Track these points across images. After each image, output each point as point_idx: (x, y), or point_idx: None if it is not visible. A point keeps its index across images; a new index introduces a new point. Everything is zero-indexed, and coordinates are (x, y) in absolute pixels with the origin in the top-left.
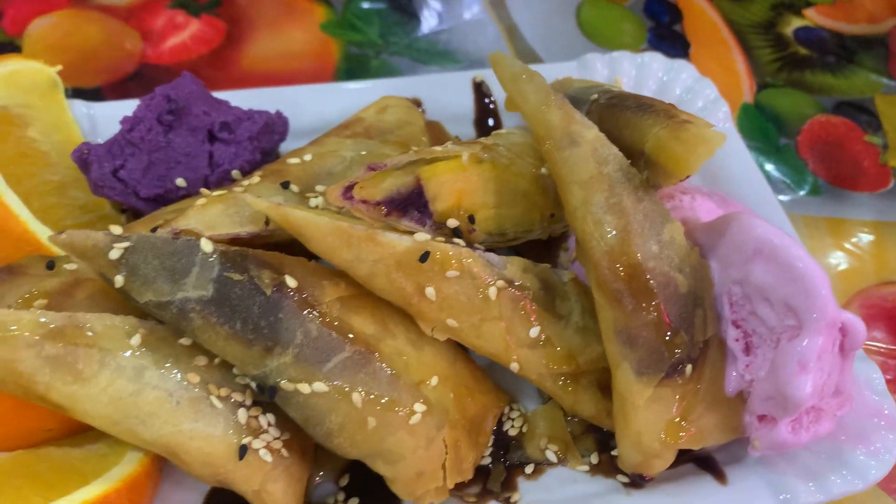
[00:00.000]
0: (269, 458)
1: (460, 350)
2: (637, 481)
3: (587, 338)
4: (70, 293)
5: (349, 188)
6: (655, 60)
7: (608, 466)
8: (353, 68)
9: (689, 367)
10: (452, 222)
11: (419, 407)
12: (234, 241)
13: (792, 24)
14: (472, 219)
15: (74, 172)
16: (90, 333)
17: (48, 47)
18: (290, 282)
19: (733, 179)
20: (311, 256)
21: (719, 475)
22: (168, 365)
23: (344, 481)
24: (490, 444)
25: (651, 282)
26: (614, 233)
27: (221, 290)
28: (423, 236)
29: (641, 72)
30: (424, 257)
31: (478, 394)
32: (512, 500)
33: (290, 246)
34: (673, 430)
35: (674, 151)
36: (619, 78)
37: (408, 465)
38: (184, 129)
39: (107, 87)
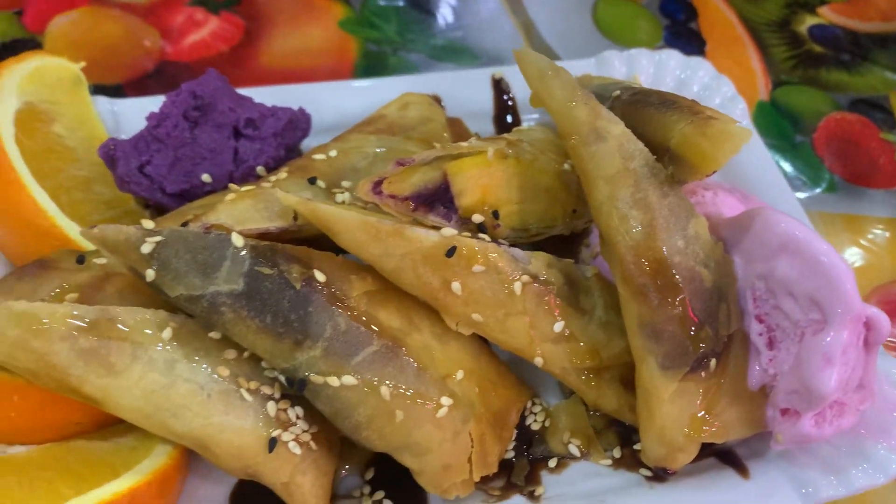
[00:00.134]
0: (298, 450)
1: (484, 344)
2: (660, 475)
3: (610, 333)
4: (100, 287)
5: (378, 183)
6: (673, 58)
7: (631, 460)
8: (371, 65)
9: (713, 362)
10: (477, 217)
11: (446, 401)
12: (263, 235)
13: (806, 22)
14: (496, 214)
15: (100, 168)
16: (122, 327)
17: (69, 44)
18: (319, 276)
19: (752, 176)
20: (337, 251)
21: (741, 469)
22: (199, 358)
23: (369, 474)
24: (513, 438)
25: (676, 277)
26: (640, 228)
27: (252, 284)
28: (449, 231)
29: (659, 69)
30: (451, 252)
31: (502, 388)
32: (536, 493)
33: (317, 241)
34: (697, 423)
35: (700, 147)
36: (637, 75)
37: (434, 458)
38: (209, 125)
39: (128, 84)
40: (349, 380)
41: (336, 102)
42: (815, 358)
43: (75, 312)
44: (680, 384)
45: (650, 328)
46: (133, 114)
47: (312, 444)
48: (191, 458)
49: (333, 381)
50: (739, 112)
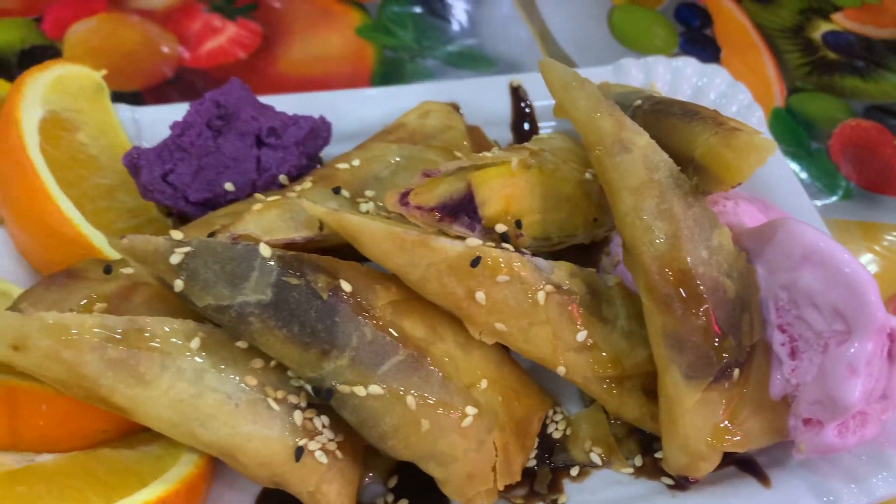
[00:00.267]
0: (324, 459)
1: (506, 353)
2: (682, 483)
3: (632, 342)
4: (128, 297)
5: (405, 195)
6: (689, 65)
7: (652, 468)
8: (388, 72)
9: (736, 372)
10: (500, 227)
11: (471, 410)
12: (289, 245)
13: (820, 29)
14: (519, 223)
15: (122, 176)
16: (151, 337)
17: (88, 51)
18: (345, 286)
19: (771, 184)
20: (359, 260)
21: (763, 478)
22: (226, 368)
23: (392, 482)
24: (535, 446)
25: (700, 287)
26: (665, 238)
27: (280, 295)
28: (474, 241)
29: (676, 76)
30: (476, 262)
31: (524, 397)
32: (559, 501)
33: (340, 250)
34: (719, 433)
35: (725, 159)
36: (654, 82)
37: (459, 466)
38: (232, 134)
39: (146, 91)
40: (375, 389)
41: (355, 110)
42: (839, 368)
43: (105, 323)
44: (703, 394)
45: (674, 338)
46: (154, 121)
47: (338, 452)
48: (215, 466)
49: (360, 390)
50: (756, 120)
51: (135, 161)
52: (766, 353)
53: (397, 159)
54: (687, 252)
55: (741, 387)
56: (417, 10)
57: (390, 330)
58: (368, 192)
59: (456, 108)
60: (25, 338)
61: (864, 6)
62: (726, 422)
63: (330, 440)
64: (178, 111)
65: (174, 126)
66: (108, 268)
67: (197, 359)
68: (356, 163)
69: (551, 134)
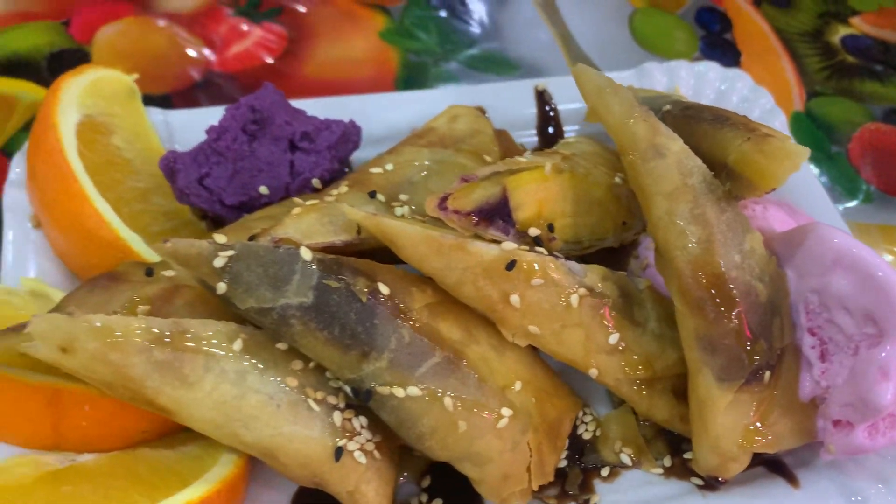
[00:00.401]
0: (363, 459)
1: (537, 355)
2: (712, 483)
3: (663, 344)
4: (169, 299)
5: (444, 199)
6: (712, 70)
7: (681, 469)
8: (412, 76)
9: (767, 374)
10: (534, 231)
11: (506, 411)
12: (327, 249)
13: (839, 32)
14: (551, 227)
15: (157, 179)
16: (195, 339)
17: (116, 54)
18: (384, 289)
19: (795, 188)
20: (392, 263)
21: (791, 478)
22: (267, 369)
23: (425, 482)
24: (566, 447)
25: (733, 291)
26: (698, 243)
27: (321, 297)
28: (510, 245)
29: (699, 81)
30: (511, 266)
31: (556, 398)
32: (591, 502)
33: (375, 253)
34: (750, 434)
35: (759, 165)
36: (678, 87)
37: (495, 467)
38: (267, 138)
39: (175, 95)
40: (414, 391)
41: (382, 114)
42: (870, 371)
43: (150, 326)
44: (735, 396)
45: (707, 341)
46: (185, 125)
47: (376, 453)
48: (252, 466)
49: (399, 391)
50: (779, 124)
51: (171, 165)
52: (796, 355)
53: (429, 163)
54: (720, 256)
55: (771, 389)
56: (442, 14)
57: (427, 332)
58: (402, 196)
59: (481, 111)
60: (73, 340)
61: (881, 10)
62: (757, 423)
63: (368, 440)
64: (208, 114)
65: (210, 130)
66: (150, 270)
67: (239, 360)
68: (389, 167)
69: (579, 138)
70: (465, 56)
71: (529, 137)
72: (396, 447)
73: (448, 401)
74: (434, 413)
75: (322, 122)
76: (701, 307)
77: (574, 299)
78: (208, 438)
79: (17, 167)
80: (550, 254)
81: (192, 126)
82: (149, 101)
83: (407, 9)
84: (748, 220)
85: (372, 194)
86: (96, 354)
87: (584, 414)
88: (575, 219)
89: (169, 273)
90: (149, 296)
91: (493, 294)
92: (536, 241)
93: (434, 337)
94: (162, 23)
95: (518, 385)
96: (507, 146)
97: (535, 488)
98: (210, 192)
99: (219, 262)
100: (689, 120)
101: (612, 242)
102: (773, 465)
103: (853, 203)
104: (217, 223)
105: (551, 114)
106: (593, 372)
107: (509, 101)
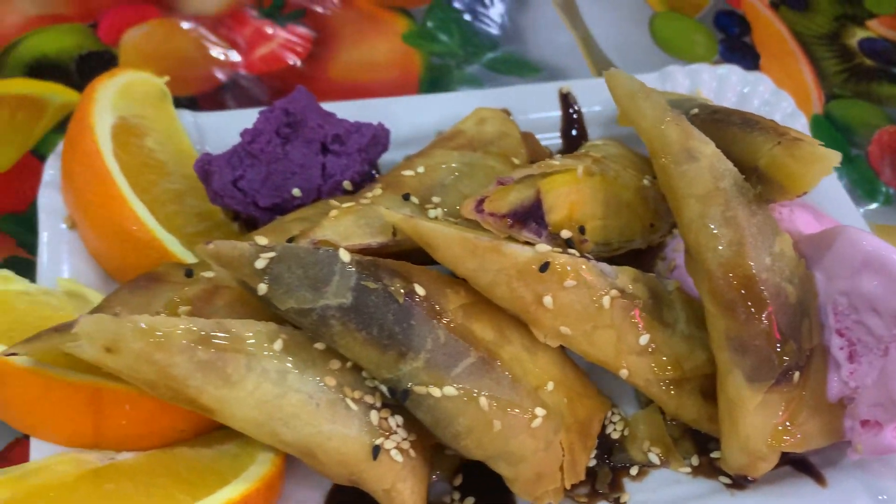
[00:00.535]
0: (399, 458)
1: (567, 356)
2: (740, 482)
3: (692, 345)
4: (209, 300)
5: (481, 202)
6: (734, 73)
7: (709, 468)
8: (435, 78)
9: (796, 375)
10: (565, 233)
11: (539, 411)
12: (363, 250)
13: (856, 35)
14: (582, 229)
15: (190, 181)
16: (237, 339)
17: (143, 56)
18: (419, 290)
19: (817, 191)
20: (426, 264)
21: (818, 477)
22: (307, 369)
23: (457, 481)
24: (595, 446)
25: (764, 293)
26: (729, 245)
27: (359, 298)
28: (543, 247)
29: (721, 84)
30: (544, 267)
31: (586, 398)
32: (621, 500)
33: (409, 255)
34: (778, 434)
35: (790, 169)
36: (700, 90)
37: (528, 466)
38: (300, 141)
39: (202, 97)
40: (450, 390)
41: (409, 117)
42: None
43: (193, 326)
44: (765, 396)
45: (737, 342)
46: (216, 127)
47: (411, 451)
48: (288, 464)
49: (435, 391)
50: (800, 127)
51: (206, 167)
52: (824, 356)
53: (459, 166)
54: (751, 258)
55: (800, 389)
56: (466, 17)
57: (462, 333)
58: (435, 199)
59: (507, 114)
60: (119, 340)
61: None
62: (786, 423)
63: (404, 439)
64: (238, 117)
65: (244, 133)
66: (190, 272)
67: (280, 360)
68: (421, 170)
69: (605, 140)
70: (486, 59)
71: (552, 140)
72: (430, 446)
73: (483, 401)
74: (470, 413)
75: (352, 125)
76: (732, 308)
77: (606, 301)
78: (245, 437)
79: (52, 169)
80: (582, 255)
81: (221, 128)
82: (175, 103)
83: (429, 11)
84: (777, 222)
85: (406, 197)
86: (141, 354)
87: (613, 414)
88: (605, 221)
89: (208, 274)
90: (189, 297)
91: (527, 295)
92: (568, 243)
93: (468, 337)
94: (187, 25)
95: (550, 385)
96: (533, 148)
97: (568, 487)
98: (244, 194)
99: (260, 264)
100: (717, 123)
101: (640, 244)
102: (799, 465)
103: (873, 205)
104: (249, 225)
105: (575, 116)
106: (624, 373)
107: (532, 104)
